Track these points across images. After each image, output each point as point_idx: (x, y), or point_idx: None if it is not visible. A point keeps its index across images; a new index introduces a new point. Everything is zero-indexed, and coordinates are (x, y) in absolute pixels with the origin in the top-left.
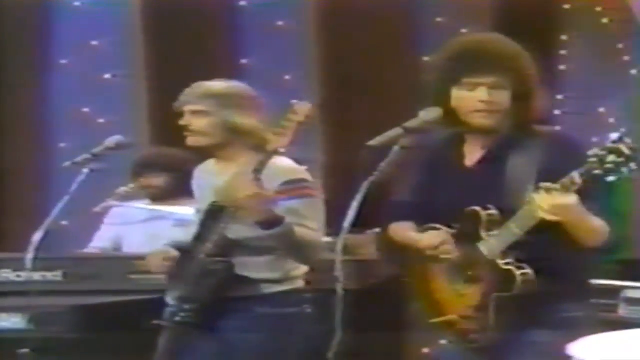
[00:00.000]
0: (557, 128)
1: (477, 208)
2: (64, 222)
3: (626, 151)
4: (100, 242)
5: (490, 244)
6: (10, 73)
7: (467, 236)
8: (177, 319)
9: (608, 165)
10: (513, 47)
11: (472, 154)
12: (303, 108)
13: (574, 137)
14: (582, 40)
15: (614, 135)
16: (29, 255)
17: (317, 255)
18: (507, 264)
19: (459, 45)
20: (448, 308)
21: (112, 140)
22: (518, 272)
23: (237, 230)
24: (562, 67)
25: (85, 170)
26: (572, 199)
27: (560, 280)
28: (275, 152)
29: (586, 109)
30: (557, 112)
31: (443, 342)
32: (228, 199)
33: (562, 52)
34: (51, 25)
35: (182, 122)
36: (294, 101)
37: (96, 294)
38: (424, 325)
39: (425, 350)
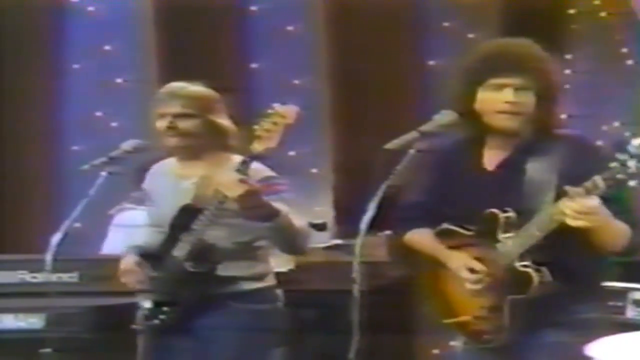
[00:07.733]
0: (578, 132)
1: (495, 210)
2: (77, 225)
3: None
4: (110, 246)
5: (508, 246)
6: (23, 77)
7: (484, 238)
8: (156, 321)
9: (630, 170)
10: (539, 51)
11: (492, 157)
12: (291, 111)
13: (593, 141)
14: (587, 44)
15: (636, 141)
16: (48, 257)
17: (306, 244)
18: (524, 266)
19: (486, 47)
20: (462, 309)
21: (129, 144)
22: (535, 274)
23: (217, 234)
24: (567, 71)
25: (104, 173)
26: (594, 203)
27: (575, 282)
28: (262, 155)
29: (590, 112)
30: (562, 115)
31: (454, 343)
32: (221, 197)
33: (567, 56)
34: (64, 30)
35: (164, 124)
36: (276, 104)
37: (112, 294)
38: (436, 326)
39: (436, 351)
